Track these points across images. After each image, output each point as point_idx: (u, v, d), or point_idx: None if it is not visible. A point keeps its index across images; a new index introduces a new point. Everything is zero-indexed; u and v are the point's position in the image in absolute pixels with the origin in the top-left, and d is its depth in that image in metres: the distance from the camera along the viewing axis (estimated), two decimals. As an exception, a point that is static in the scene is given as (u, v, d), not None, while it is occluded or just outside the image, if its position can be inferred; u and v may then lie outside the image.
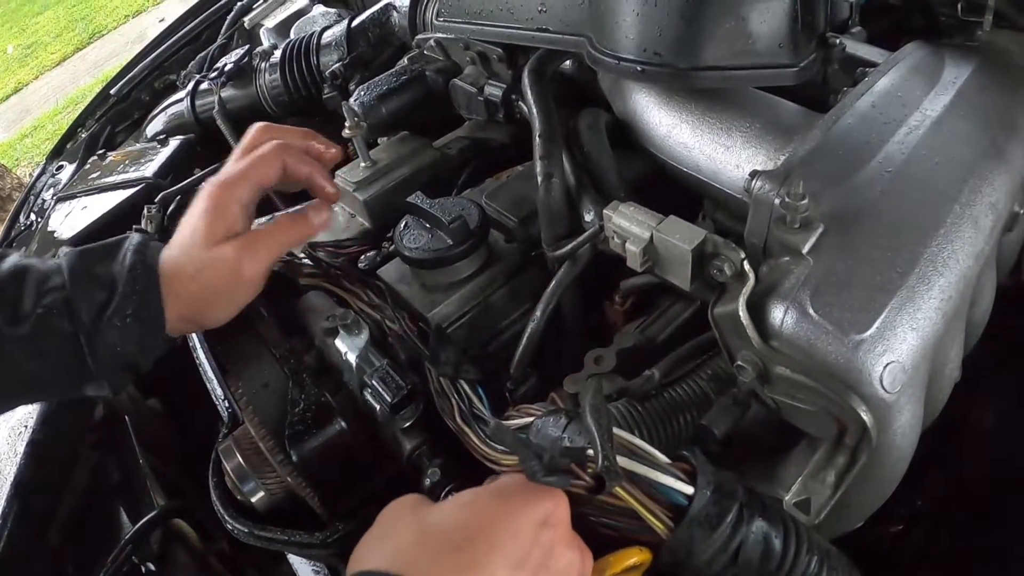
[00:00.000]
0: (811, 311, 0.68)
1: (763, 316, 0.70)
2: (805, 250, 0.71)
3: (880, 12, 1.21)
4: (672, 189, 0.95)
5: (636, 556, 0.65)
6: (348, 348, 0.85)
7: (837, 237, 0.72)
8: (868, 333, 0.67)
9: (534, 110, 0.93)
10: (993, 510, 1.04)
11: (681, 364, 0.81)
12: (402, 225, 0.97)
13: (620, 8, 0.85)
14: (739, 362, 0.72)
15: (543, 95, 0.95)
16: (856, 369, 0.67)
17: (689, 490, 0.64)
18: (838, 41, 0.92)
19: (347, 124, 1.09)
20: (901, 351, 0.68)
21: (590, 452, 0.64)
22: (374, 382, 0.81)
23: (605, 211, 0.76)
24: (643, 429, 0.77)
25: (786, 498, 0.69)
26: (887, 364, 0.67)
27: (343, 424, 0.83)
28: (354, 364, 0.84)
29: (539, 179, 0.89)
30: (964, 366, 0.87)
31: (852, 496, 0.73)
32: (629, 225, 0.74)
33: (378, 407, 0.81)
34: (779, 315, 0.69)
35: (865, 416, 0.66)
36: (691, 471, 0.66)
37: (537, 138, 0.91)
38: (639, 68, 0.85)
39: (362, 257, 1.03)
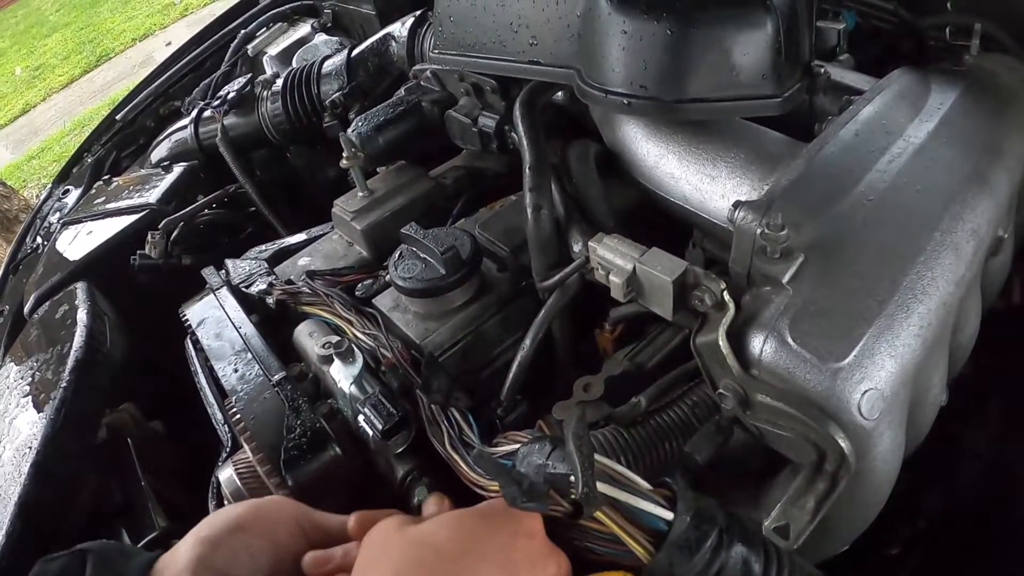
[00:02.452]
0: (789, 340, 0.71)
1: (743, 345, 0.73)
2: (785, 280, 0.74)
3: (870, 38, 1.24)
4: (661, 218, 0.98)
5: None
6: (342, 376, 0.88)
7: (817, 266, 0.75)
8: (846, 361, 0.69)
9: (524, 142, 0.96)
10: (988, 532, 1.06)
11: (667, 391, 0.84)
12: (396, 255, 1.00)
13: (607, 42, 0.88)
14: (721, 390, 0.75)
15: (533, 127, 0.98)
16: (834, 396, 0.69)
17: (668, 515, 0.67)
18: (823, 70, 0.95)
19: (345, 154, 1.12)
20: (879, 378, 0.70)
21: (572, 479, 0.67)
22: (366, 409, 0.84)
23: (590, 243, 0.79)
24: (628, 455, 0.79)
25: (765, 523, 0.71)
26: (865, 391, 0.69)
27: (338, 450, 0.86)
28: (347, 391, 0.87)
29: (528, 211, 0.91)
30: (954, 390, 0.89)
31: (835, 521, 0.75)
32: (612, 257, 0.77)
33: (370, 433, 0.84)
34: (758, 344, 0.72)
35: (843, 443, 0.69)
36: (671, 497, 0.69)
37: (527, 170, 0.93)
38: (626, 101, 0.88)
39: (359, 285, 1.06)
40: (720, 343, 0.72)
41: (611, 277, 0.77)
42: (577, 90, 0.95)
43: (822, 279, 0.75)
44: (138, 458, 1.26)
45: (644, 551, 0.66)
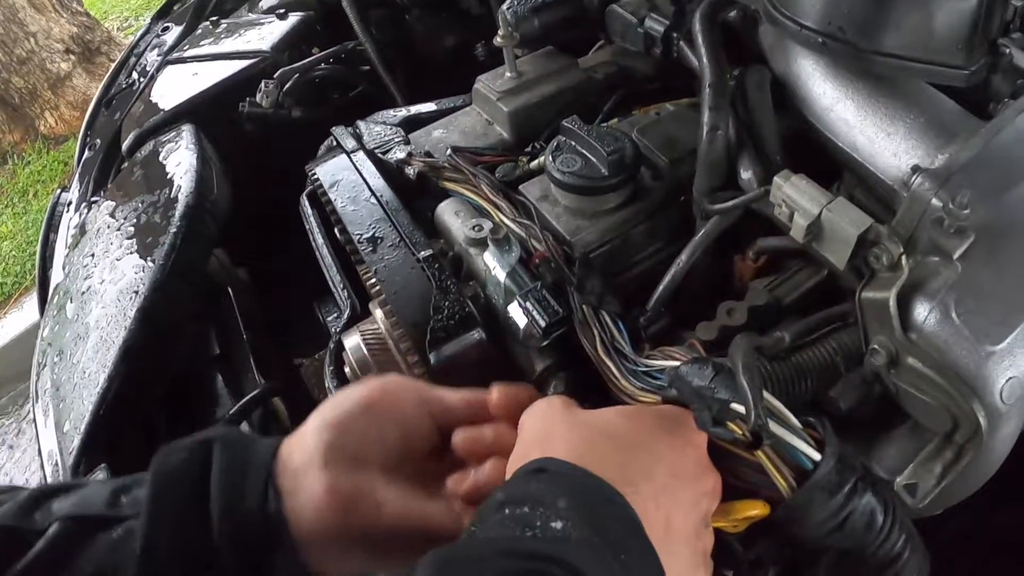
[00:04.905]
0: (954, 315, 0.77)
1: (907, 309, 0.79)
2: (956, 256, 0.79)
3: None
4: (808, 152, 1.02)
5: (758, 509, 0.76)
6: (498, 264, 0.93)
7: (984, 249, 0.80)
8: (1000, 346, 0.77)
9: (704, 59, 0.99)
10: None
11: (809, 331, 0.90)
12: (555, 146, 1.04)
13: (811, -24, 0.90)
14: (874, 345, 0.82)
15: (714, 44, 1.01)
16: (983, 377, 0.76)
17: (817, 456, 0.74)
18: (1008, 50, 0.97)
19: (500, 32, 1.14)
20: (1023, 368, 0.78)
21: (735, 407, 0.73)
22: (529, 303, 0.89)
23: (776, 179, 0.84)
24: (770, 387, 0.85)
25: (898, 480, 0.80)
26: (1009, 378, 0.77)
27: (483, 335, 0.91)
28: (503, 280, 0.92)
29: (704, 129, 0.95)
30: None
31: (945, 488, 0.83)
32: (800, 198, 0.82)
33: (523, 325, 0.89)
34: (923, 312, 0.78)
35: (982, 420, 0.76)
36: (819, 438, 0.76)
37: (707, 88, 0.97)
38: (820, 39, 0.91)
39: (498, 168, 1.10)
40: (891, 304, 0.78)
41: (795, 218, 0.82)
42: (766, 15, 0.97)
43: (988, 262, 0.80)
44: (238, 308, 1.31)
45: (787, 486, 0.74)
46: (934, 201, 0.81)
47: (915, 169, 0.85)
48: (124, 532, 0.65)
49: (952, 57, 0.90)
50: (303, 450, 0.71)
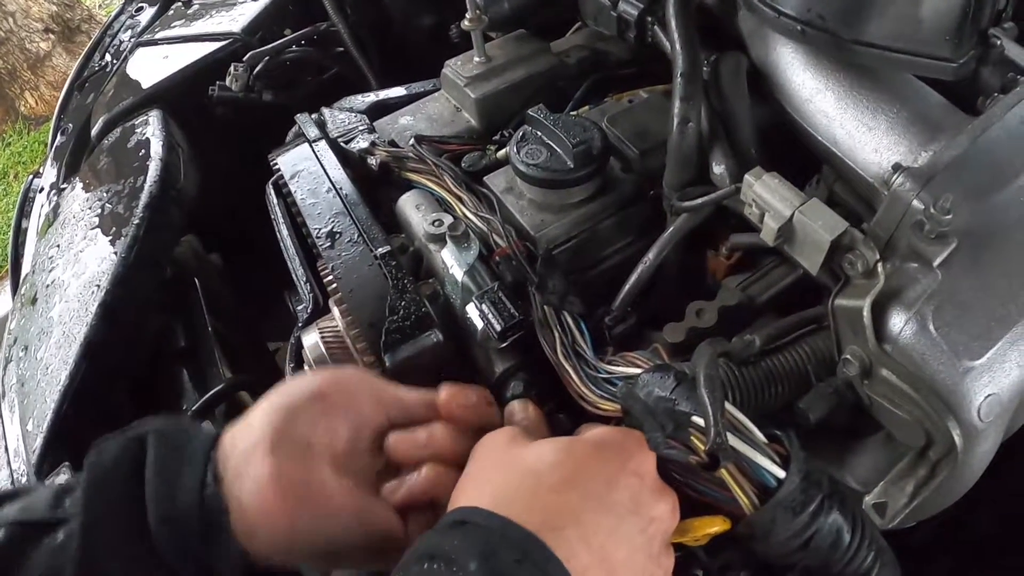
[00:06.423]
0: (931, 327, 0.73)
1: (883, 319, 0.75)
2: (936, 263, 0.74)
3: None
4: (787, 144, 0.97)
5: (718, 525, 0.72)
6: (455, 262, 0.88)
7: (967, 256, 0.75)
8: (979, 362, 0.72)
9: (678, 46, 0.94)
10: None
11: (782, 334, 0.85)
12: (519, 136, 1.00)
13: (791, -40, 0.85)
14: (847, 355, 0.77)
15: (689, 31, 0.96)
16: (960, 394, 0.72)
17: (781, 474, 0.70)
18: (999, 42, 0.92)
19: (468, 16, 1.09)
20: (1003, 385, 0.74)
21: (696, 420, 0.69)
22: (484, 305, 0.85)
23: (747, 177, 0.79)
24: (737, 394, 0.81)
25: (867, 499, 0.76)
26: (988, 396, 0.73)
27: (440, 336, 0.87)
28: (460, 279, 0.87)
29: (675, 121, 0.91)
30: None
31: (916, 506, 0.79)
32: (771, 198, 0.77)
33: (480, 327, 0.85)
34: (899, 323, 0.74)
35: (957, 439, 0.72)
36: (784, 454, 0.72)
37: (679, 77, 0.92)
38: (799, 28, 0.87)
39: (465, 157, 1.05)
40: (864, 314, 0.74)
41: (766, 219, 0.78)
42: (743, 0, 0.92)
43: (970, 271, 0.76)
44: (204, 299, 1.28)
45: (749, 504, 0.70)
46: (915, 203, 0.76)
47: (896, 167, 0.80)
48: (66, 535, 0.64)
49: (939, 48, 0.86)
50: (249, 435, 0.69)
